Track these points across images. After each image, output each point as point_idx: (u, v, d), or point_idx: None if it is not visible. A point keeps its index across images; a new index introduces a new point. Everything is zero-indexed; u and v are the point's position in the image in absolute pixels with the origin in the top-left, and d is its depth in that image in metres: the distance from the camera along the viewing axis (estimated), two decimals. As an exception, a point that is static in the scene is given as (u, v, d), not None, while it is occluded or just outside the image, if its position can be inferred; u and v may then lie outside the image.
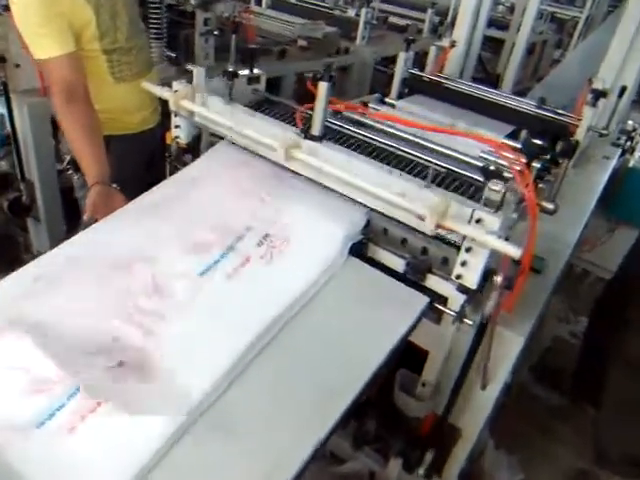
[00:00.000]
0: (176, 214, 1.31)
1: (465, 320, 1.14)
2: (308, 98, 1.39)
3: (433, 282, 1.23)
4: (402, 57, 2.55)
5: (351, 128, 1.49)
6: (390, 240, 1.29)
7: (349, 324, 1.11)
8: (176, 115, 1.50)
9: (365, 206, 1.27)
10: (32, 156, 2.18)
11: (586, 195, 2.08)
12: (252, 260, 1.22)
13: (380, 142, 1.44)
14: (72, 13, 1.62)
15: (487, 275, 1.10)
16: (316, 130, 1.26)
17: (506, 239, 1.03)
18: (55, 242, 1.26)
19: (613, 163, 2.53)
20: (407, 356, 1.28)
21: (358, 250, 1.27)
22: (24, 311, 1.03)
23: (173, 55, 2.48)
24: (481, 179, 1.26)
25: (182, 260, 1.18)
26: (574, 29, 6.58)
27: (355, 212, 1.28)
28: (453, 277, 1.12)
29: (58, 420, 0.87)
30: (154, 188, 1.39)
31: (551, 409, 2.22)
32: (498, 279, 1.07)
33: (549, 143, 2.34)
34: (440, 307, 1.18)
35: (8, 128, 2.14)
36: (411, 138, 1.47)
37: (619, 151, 2.69)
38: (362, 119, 1.59)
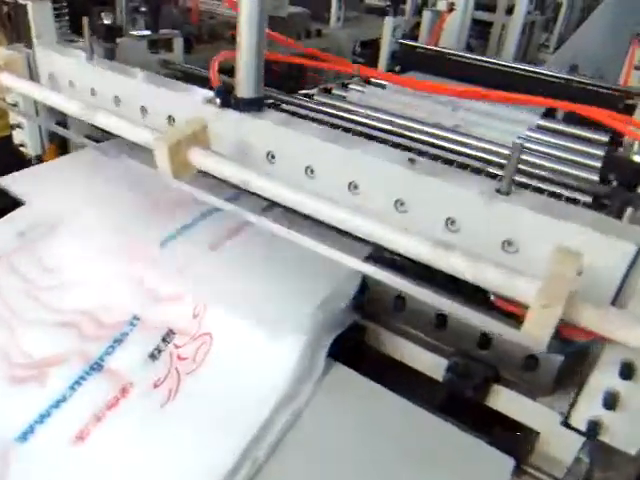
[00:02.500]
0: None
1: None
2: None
3: (505, 401, 0.59)
4: (389, 23, 1.94)
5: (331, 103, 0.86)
6: (412, 318, 0.64)
7: None
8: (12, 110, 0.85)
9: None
10: None
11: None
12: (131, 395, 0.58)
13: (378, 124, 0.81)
14: None
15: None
16: (246, 89, 0.62)
17: None
18: None
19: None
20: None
21: (348, 343, 0.63)
22: None
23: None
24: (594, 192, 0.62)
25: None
26: (558, 11, 6.05)
27: (332, 271, 0.63)
28: (577, 424, 0.48)
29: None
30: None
31: None
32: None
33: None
34: (535, 473, 0.53)
35: None
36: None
37: None
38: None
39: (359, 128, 0.80)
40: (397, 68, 2.06)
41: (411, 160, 0.54)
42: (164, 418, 0.56)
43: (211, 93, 0.65)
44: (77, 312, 0.65)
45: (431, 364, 0.63)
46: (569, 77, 1.84)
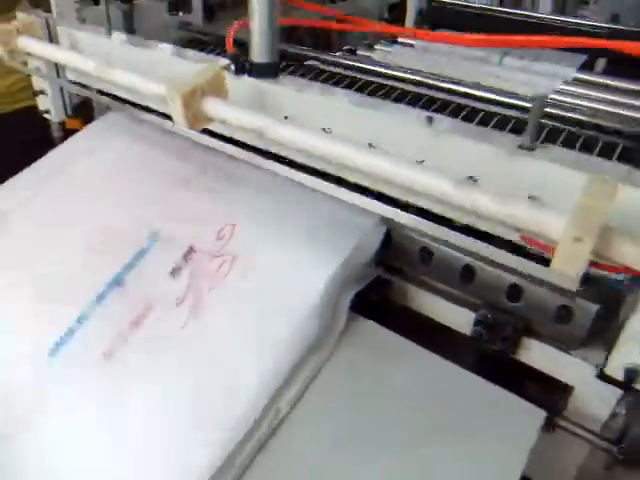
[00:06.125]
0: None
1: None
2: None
3: (537, 355, 0.57)
4: (416, -22, 1.84)
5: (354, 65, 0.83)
6: (438, 271, 0.62)
7: None
8: (34, 74, 0.85)
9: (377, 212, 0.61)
10: None
11: None
12: (161, 309, 0.59)
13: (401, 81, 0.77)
14: None
15: None
16: (259, 54, 0.60)
17: None
18: None
19: None
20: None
21: (373, 298, 0.61)
22: None
23: None
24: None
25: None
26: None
27: (357, 224, 0.61)
28: (612, 372, 0.45)
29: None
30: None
31: None
32: None
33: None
34: (577, 430, 0.51)
35: None
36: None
37: None
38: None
39: (380, 86, 0.77)
40: (425, 28, 1.99)
41: (429, 119, 0.51)
42: (185, 339, 0.56)
43: (227, 60, 0.63)
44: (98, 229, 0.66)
45: (459, 318, 0.60)
46: (611, 26, 1.74)
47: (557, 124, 0.68)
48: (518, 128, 0.63)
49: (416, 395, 0.51)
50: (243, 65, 0.61)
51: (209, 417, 0.50)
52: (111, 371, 0.56)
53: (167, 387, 0.53)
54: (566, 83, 1.51)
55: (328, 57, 0.89)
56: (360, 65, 0.87)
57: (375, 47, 1.75)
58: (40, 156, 0.85)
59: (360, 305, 0.60)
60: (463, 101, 0.75)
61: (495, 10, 2.03)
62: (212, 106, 0.53)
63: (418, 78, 0.81)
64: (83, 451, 0.52)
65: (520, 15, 1.87)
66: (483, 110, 0.72)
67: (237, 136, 0.67)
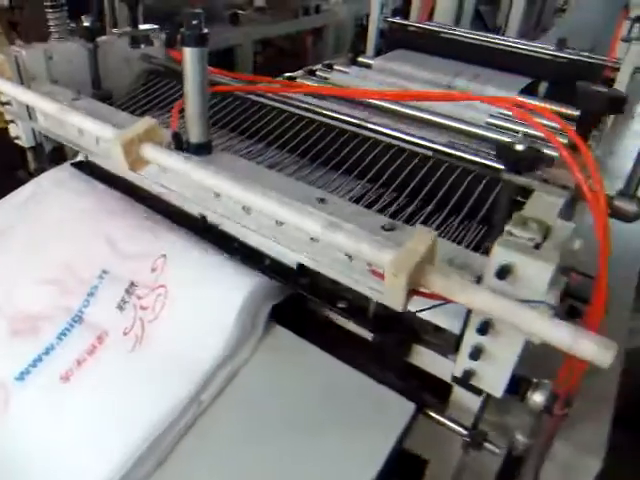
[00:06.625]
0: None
1: (487, 445, 0.60)
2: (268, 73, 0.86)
3: (424, 359, 0.69)
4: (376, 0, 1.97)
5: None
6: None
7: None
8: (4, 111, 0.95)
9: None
10: None
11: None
12: (106, 342, 0.70)
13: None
14: None
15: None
16: (195, 135, 0.71)
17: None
18: None
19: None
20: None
21: (289, 309, 0.73)
22: None
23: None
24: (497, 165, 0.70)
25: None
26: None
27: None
28: (457, 373, 0.57)
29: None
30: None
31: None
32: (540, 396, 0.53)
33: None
34: (440, 419, 0.63)
35: None
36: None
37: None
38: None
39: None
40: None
41: (321, 200, 0.62)
42: (132, 362, 0.67)
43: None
44: (59, 268, 0.77)
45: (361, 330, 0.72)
46: (554, 53, 1.87)
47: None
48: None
49: (313, 390, 0.63)
50: (181, 144, 0.71)
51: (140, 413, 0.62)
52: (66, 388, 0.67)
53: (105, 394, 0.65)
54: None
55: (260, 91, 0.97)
56: (286, 100, 0.95)
57: (334, 68, 1.88)
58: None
59: (279, 314, 0.72)
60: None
61: (455, 30, 2.17)
62: (149, 151, 0.64)
63: (345, 118, 0.91)
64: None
65: (470, 38, 2.00)
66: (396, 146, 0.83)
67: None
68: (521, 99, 1.08)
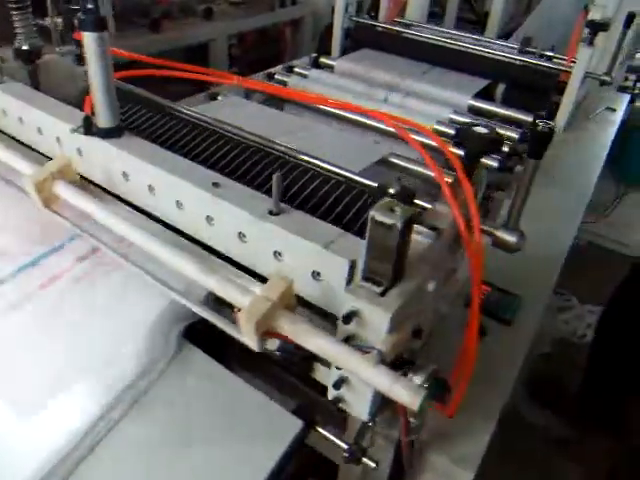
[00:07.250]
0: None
1: (365, 461, 0.66)
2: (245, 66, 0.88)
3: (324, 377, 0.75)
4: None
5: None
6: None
7: None
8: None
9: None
10: None
11: (585, 170, 1.55)
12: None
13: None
14: None
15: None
16: (103, 120, 0.74)
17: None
18: None
19: (620, 115, 1.98)
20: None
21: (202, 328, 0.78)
22: None
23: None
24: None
25: None
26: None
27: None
28: (330, 397, 0.63)
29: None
30: None
31: (555, 442, 1.74)
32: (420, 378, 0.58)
33: (534, 102, 1.78)
34: (327, 435, 0.69)
35: None
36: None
37: (627, 98, 2.12)
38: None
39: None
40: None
41: (215, 184, 0.66)
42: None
43: (79, 122, 0.75)
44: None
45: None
46: (512, 56, 1.90)
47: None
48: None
49: (214, 406, 0.69)
50: (90, 128, 0.74)
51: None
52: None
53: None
54: (456, 113, 1.70)
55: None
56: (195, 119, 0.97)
57: (294, 70, 1.91)
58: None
59: (191, 334, 0.78)
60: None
61: (424, 29, 2.20)
62: (60, 189, 0.69)
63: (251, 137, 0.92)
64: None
65: (444, 35, 2.02)
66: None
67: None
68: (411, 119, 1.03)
